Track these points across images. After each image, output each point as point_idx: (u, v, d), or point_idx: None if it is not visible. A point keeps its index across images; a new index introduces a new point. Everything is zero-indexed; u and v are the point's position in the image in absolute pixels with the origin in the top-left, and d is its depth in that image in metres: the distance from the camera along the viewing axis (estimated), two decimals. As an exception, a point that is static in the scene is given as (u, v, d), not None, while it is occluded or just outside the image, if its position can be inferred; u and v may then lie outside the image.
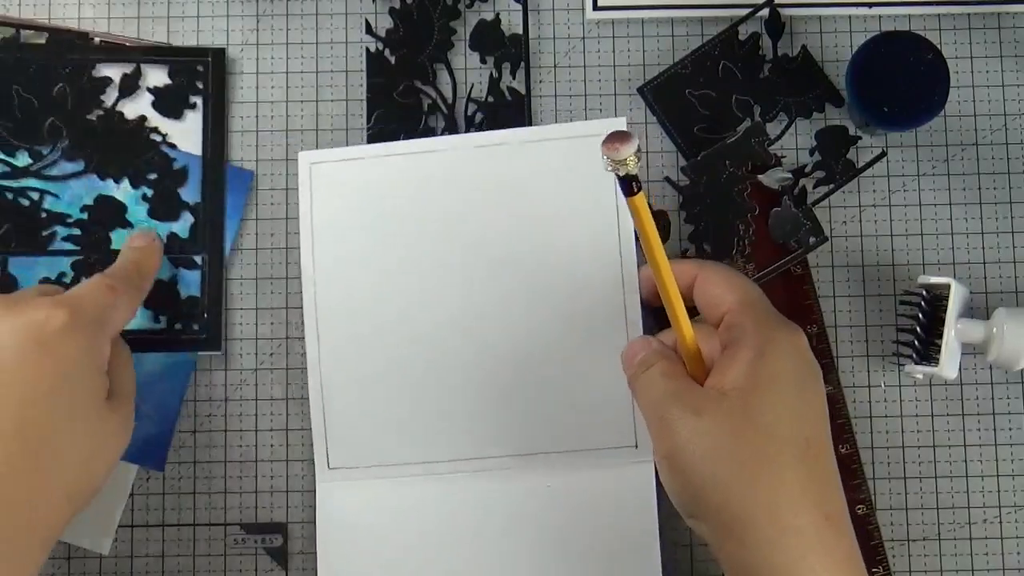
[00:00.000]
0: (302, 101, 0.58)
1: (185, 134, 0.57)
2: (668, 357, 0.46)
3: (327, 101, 0.58)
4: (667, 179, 0.57)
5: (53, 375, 0.43)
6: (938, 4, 0.58)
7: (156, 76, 0.57)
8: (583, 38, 0.58)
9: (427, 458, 0.50)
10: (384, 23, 0.58)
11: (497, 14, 0.58)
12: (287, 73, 0.58)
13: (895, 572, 0.55)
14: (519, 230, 0.51)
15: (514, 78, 0.58)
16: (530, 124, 0.57)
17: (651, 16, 0.58)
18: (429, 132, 0.57)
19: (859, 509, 0.55)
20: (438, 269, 0.51)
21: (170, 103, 0.57)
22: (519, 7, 0.58)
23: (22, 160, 0.56)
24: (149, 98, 0.57)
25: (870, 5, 0.58)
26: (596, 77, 0.58)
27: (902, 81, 0.54)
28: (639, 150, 0.39)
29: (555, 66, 0.58)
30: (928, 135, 0.58)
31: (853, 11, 0.58)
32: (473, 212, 0.51)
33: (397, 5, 0.58)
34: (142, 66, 0.57)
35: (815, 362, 0.46)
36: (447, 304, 0.51)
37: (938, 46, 0.54)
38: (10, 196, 0.55)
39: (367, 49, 0.58)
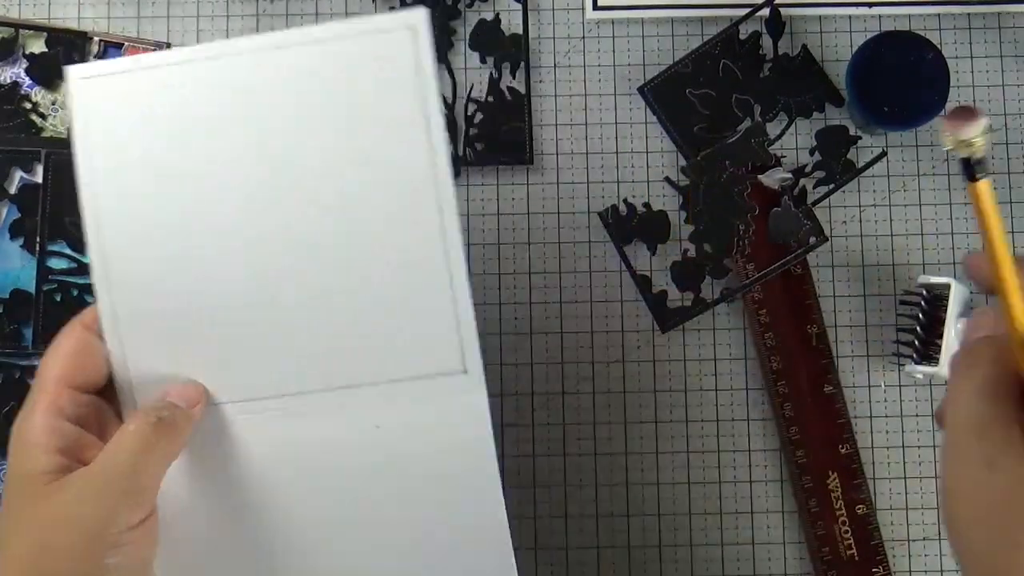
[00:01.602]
0: (302, 101, 0.58)
1: None
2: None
3: (327, 101, 0.58)
4: (667, 179, 0.57)
5: None
6: (938, 4, 0.58)
7: None
8: (583, 38, 0.58)
9: (238, 396, 0.45)
10: (384, 23, 0.58)
11: (497, 14, 0.58)
12: (287, 73, 0.58)
13: (895, 572, 0.55)
14: (319, 143, 0.44)
15: (514, 78, 0.58)
16: (530, 123, 0.57)
17: (651, 16, 0.58)
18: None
19: (859, 509, 0.55)
20: (236, 192, 0.44)
21: None
22: (519, 7, 0.58)
23: (89, 257, 0.56)
24: None
25: (870, 5, 0.58)
26: (596, 77, 0.58)
27: (902, 81, 0.54)
28: (990, 128, 0.34)
29: (555, 66, 0.58)
30: (928, 135, 0.58)
31: (853, 11, 0.58)
32: (268, 127, 0.44)
33: (397, 5, 0.58)
34: None
35: None
36: (249, 230, 0.44)
37: (938, 46, 0.54)
38: (76, 292, 0.56)
39: (367, 49, 0.58)
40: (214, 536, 0.45)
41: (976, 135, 0.34)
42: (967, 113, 0.34)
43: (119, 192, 0.44)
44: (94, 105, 0.44)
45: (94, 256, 0.44)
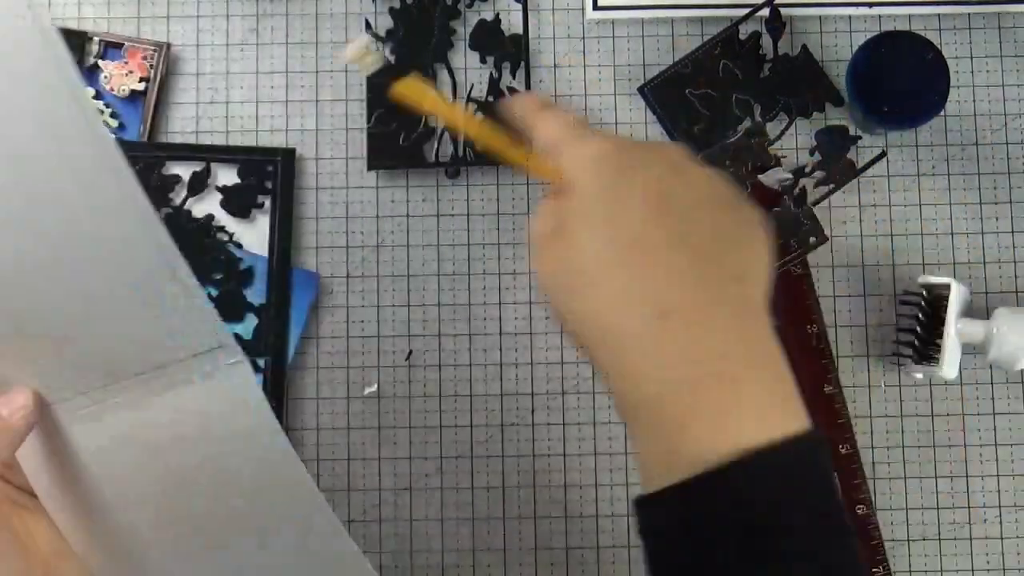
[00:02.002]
0: (302, 101, 0.58)
1: (252, 234, 0.57)
2: None
3: (327, 101, 0.58)
4: (667, 179, 0.57)
5: None
6: (938, 4, 0.58)
7: (225, 175, 0.57)
8: (583, 38, 0.58)
9: (52, 397, 0.41)
10: (384, 23, 0.58)
11: (497, 14, 0.58)
12: (287, 73, 0.58)
13: (895, 572, 0.55)
14: None
15: (514, 78, 0.58)
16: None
17: (651, 16, 0.58)
18: (430, 133, 0.57)
19: (859, 509, 0.55)
20: None
21: (238, 202, 0.57)
22: (519, 7, 0.58)
23: None
24: (218, 197, 0.57)
25: (870, 5, 0.58)
26: (596, 77, 0.58)
27: (902, 81, 0.54)
28: (373, 43, 0.35)
29: (555, 66, 0.58)
30: (928, 135, 0.58)
31: (853, 11, 0.58)
32: None
33: (397, 5, 0.58)
34: (212, 165, 0.57)
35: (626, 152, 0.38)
36: None
37: (938, 46, 0.54)
38: None
39: (367, 49, 0.58)
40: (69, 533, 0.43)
41: (359, 54, 0.38)
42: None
43: None
44: None
45: None
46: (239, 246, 0.57)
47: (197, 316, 0.41)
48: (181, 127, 0.58)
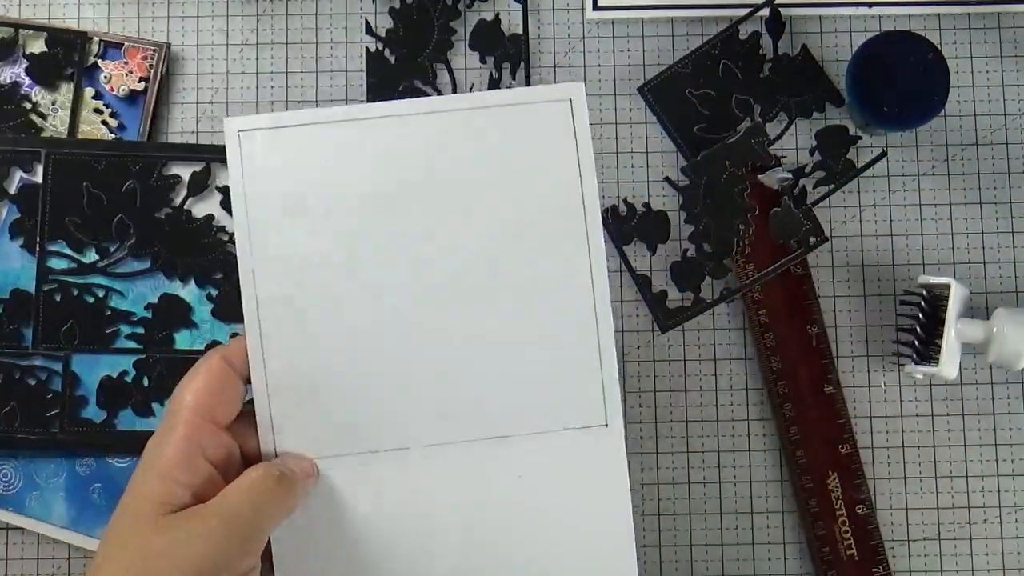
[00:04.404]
0: (302, 101, 0.58)
1: None
2: None
3: (327, 101, 0.58)
4: (667, 179, 0.57)
5: None
6: (938, 4, 0.58)
7: (225, 175, 0.56)
8: (583, 38, 0.58)
9: (384, 446, 0.46)
10: (384, 23, 0.58)
11: (497, 14, 0.58)
12: (287, 73, 0.58)
13: (895, 572, 0.55)
14: (475, 200, 0.46)
15: (514, 78, 0.58)
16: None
17: (651, 16, 0.58)
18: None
19: (859, 509, 0.55)
20: (389, 246, 0.46)
21: None
22: (519, 7, 0.58)
23: (89, 257, 0.56)
24: (218, 197, 0.57)
25: (870, 5, 0.58)
26: (596, 77, 0.58)
27: (902, 81, 0.54)
28: None
29: (555, 66, 0.58)
30: (928, 135, 0.58)
31: (853, 11, 0.58)
32: (425, 184, 0.46)
33: (397, 5, 0.58)
34: (212, 165, 0.57)
35: None
36: (402, 283, 0.46)
37: (938, 46, 0.54)
38: (76, 292, 0.55)
39: (367, 49, 0.58)
40: None
41: None
42: None
43: (274, 241, 0.46)
44: (251, 156, 0.46)
45: (247, 296, 0.45)
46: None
47: (598, 387, 0.46)
48: (181, 127, 0.58)
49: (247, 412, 0.44)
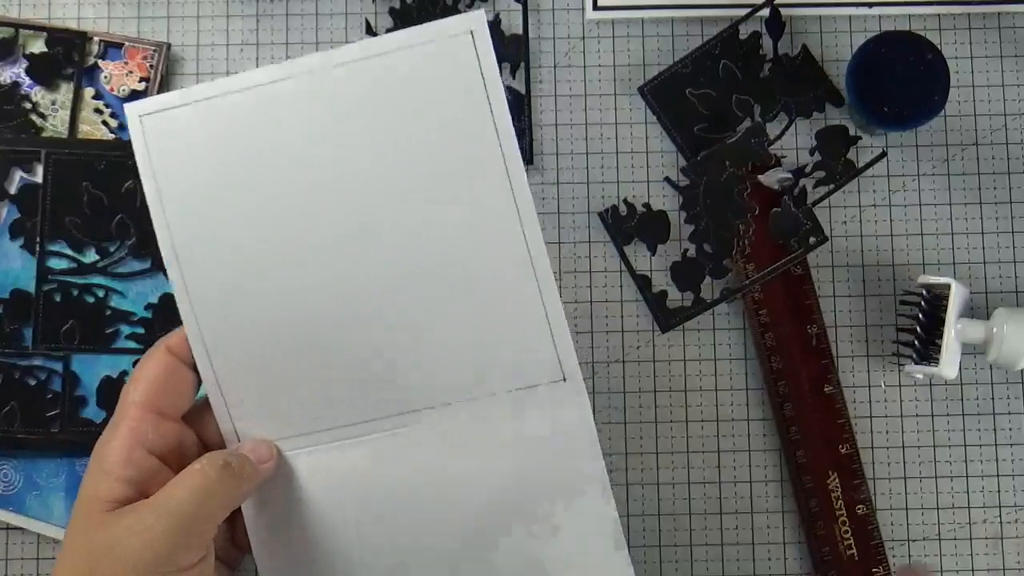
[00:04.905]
0: (302, 101, 0.58)
1: None
2: None
3: (327, 101, 0.58)
4: (667, 179, 0.57)
5: None
6: (938, 4, 0.58)
7: None
8: (583, 38, 0.58)
9: (342, 421, 0.44)
10: (384, 23, 0.58)
11: (497, 14, 0.58)
12: (287, 73, 0.58)
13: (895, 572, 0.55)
14: (390, 157, 0.43)
15: (514, 78, 0.58)
16: (530, 123, 0.57)
17: (651, 16, 0.58)
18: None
19: (859, 509, 0.55)
20: (312, 216, 0.44)
21: None
22: (519, 7, 0.58)
23: (89, 257, 0.56)
24: None
25: (870, 5, 0.58)
26: (596, 77, 0.58)
27: (902, 81, 0.54)
28: None
29: (555, 66, 0.58)
30: (928, 135, 0.58)
31: (853, 11, 0.58)
32: (337, 145, 0.43)
33: (397, 5, 0.58)
34: None
35: None
36: (330, 255, 0.44)
37: (938, 46, 0.54)
38: (76, 292, 0.55)
39: (367, 49, 0.58)
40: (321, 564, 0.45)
41: None
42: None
43: (194, 224, 0.44)
44: (157, 141, 0.44)
45: (176, 285, 0.44)
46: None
47: (549, 342, 0.44)
48: (181, 127, 0.58)
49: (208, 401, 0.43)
